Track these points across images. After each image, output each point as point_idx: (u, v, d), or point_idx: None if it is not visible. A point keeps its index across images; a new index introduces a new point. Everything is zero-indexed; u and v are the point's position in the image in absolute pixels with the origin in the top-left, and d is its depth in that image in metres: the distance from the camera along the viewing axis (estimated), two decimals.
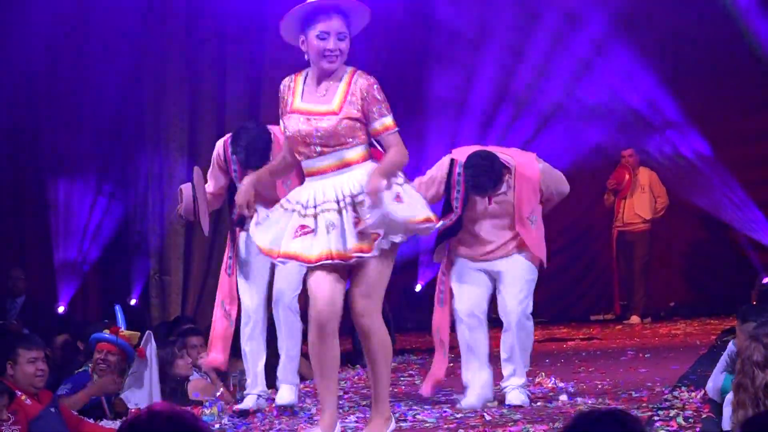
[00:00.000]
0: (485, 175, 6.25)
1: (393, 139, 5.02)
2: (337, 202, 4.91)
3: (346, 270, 4.99)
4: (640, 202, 12.36)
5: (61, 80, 11.76)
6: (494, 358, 6.55)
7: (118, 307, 7.67)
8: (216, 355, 6.67)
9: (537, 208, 6.44)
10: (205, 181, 6.62)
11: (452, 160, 6.44)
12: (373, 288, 4.97)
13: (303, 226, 4.92)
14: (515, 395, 6.35)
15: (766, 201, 12.37)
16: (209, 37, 11.52)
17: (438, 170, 6.45)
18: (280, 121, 5.17)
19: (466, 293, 6.43)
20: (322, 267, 4.93)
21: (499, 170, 6.28)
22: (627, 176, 12.33)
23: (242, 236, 6.56)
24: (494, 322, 6.60)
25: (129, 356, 7.33)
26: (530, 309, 6.43)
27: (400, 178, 4.99)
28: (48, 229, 11.69)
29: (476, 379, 6.41)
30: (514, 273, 6.38)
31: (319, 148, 4.98)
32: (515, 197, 6.35)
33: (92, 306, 11.94)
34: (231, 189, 6.61)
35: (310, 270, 4.99)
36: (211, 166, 6.69)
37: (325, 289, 4.93)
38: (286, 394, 6.57)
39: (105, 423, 6.75)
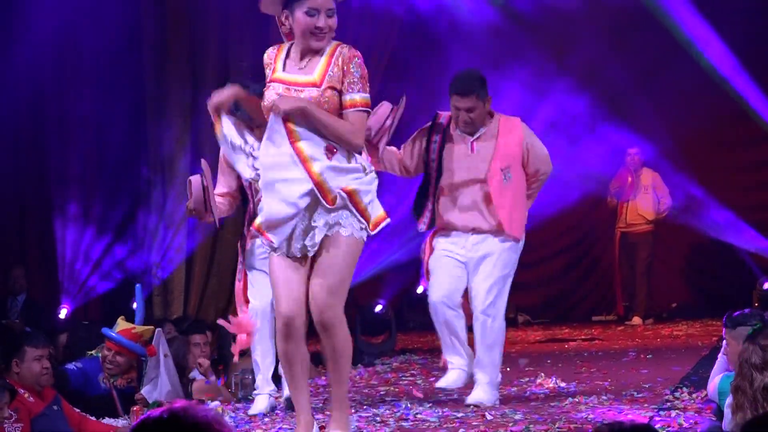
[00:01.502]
0: (467, 76, 6.42)
1: (355, 117, 4.82)
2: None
3: (307, 261, 4.87)
4: (643, 203, 12.37)
5: (66, 82, 11.79)
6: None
7: (138, 288, 7.63)
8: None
9: (516, 166, 6.45)
10: (214, 185, 6.60)
11: (436, 113, 6.57)
12: (339, 283, 4.79)
13: None
14: (475, 394, 6.38)
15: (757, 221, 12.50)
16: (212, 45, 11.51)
17: (424, 125, 6.56)
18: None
19: (440, 282, 6.42)
20: (282, 259, 4.81)
21: (481, 81, 6.42)
22: (629, 179, 12.33)
23: (250, 242, 6.61)
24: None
25: (140, 354, 7.33)
26: (500, 308, 6.40)
27: (369, 176, 4.89)
28: (51, 225, 11.70)
29: (457, 359, 6.43)
30: (487, 269, 6.38)
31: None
32: (495, 144, 6.41)
33: (93, 308, 11.94)
34: (243, 193, 6.64)
35: (272, 263, 4.85)
36: (219, 167, 6.66)
37: (289, 283, 4.79)
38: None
39: (108, 421, 6.78)
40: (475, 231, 6.45)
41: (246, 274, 6.67)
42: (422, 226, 6.53)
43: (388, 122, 5.96)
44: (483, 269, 6.40)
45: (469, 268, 6.43)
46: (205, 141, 10.94)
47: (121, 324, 7.32)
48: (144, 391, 7.01)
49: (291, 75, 4.87)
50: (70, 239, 11.56)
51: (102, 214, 11.64)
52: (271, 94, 4.85)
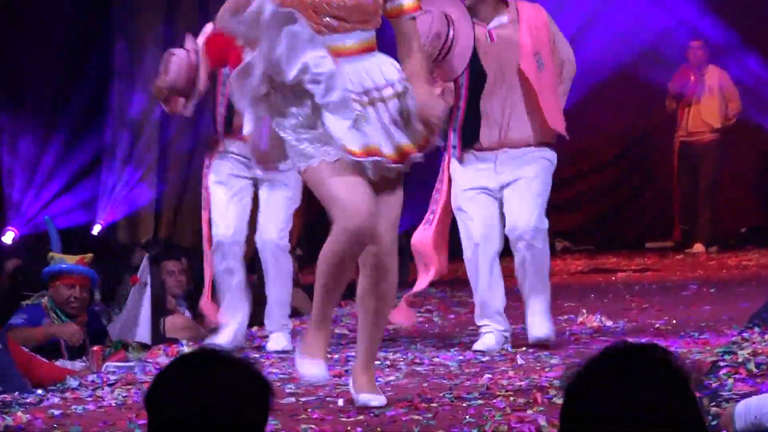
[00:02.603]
0: None
1: (412, 26, 4.98)
2: (366, 93, 4.80)
3: None
4: (708, 108, 12.28)
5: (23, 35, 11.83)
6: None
7: (48, 219, 7.64)
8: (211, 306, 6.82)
9: (546, 53, 6.47)
10: None
11: None
12: (398, 218, 4.97)
13: None
14: (538, 329, 6.46)
15: None
16: None
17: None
18: None
19: (477, 217, 6.49)
20: (350, 170, 4.78)
21: None
22: (692, 78, 12.24)
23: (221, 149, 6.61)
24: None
25: (94, 285, 7.35)
26: (544, 223, 6.48)
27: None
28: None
29: (494, 320, 6.48)
30: (523, 188, 6.44)
31: (336, 23, 4.82)
32: (519, 27, 6.42)
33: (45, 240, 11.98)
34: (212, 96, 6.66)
35: (329, 172, 4.79)
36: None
37: (365, 196, 4.77)
38: (278, 340, 6.70)
39: (63, 363, 6.79)
40: (505, 146, 6.45)
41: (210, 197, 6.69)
42: (454, 151, 6.52)
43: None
44: (520, 191, 6.44)
45: (502, 192, 6.48)
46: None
47: (67, 258, 7.32)
48: (118, 332, 7.06)
49: None
50: (19, 174, 11.62)
51: (59, 156, 11.70)
52: None
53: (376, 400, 4.93)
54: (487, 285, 6.50)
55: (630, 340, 2.38)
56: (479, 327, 6.54)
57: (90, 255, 7.40)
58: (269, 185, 6.67)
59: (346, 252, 4.81)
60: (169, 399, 2.31)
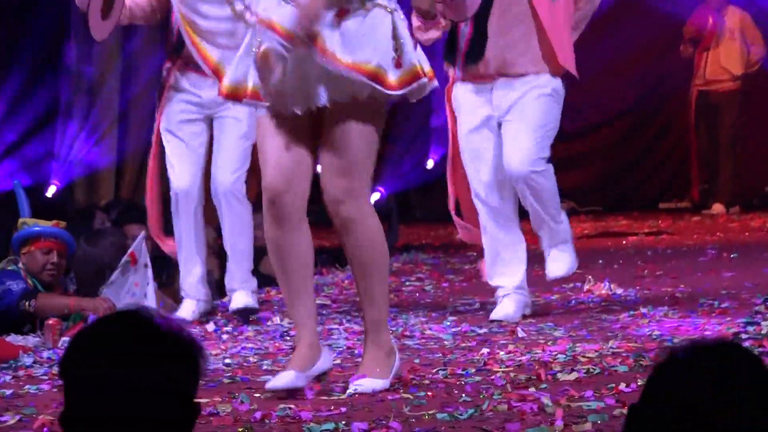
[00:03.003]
0: None
1: None
2: None
3: (312, 135, 4.80)
4: (729, 53, 12.30)
5: None
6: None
7: (17, 184, 7.64)
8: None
9: None
10: None
11: None
12: (356, 163, 4.76)
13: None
14: (549, 266, 6.55)
15: None
16: None
17: None
18: None
19: (479, 164, 6.49)
20: (274, 122, 4.73)
21: None
22: (710, 20, 12.25)
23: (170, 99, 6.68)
24: None
25: (70, 253, 7.36)
26: (540, 163, 6.44)
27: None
28: None
29: (507, 279, 6.47)
30: (521, 121, 6.41)
31: None
32: None
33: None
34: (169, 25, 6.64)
35: (259, 125, 4.81)
36: None
37: (281, 152, 4.74)
38: (240, 298, 6.71)
39: (15, 339, 6.79)
40: (506, 75, 6.45)
41: (158, 146, 6.73)
42: (459, 74, 6.52)
43: None
44: (515, 123, 6.42)
45: (500, 124, 6.48)
46: (141, 65, 10.95)
47: (40, 222, 7.34)
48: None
49: None
50: None
51: (7, 113, 11.69)
52: None
53: (361, 386, 4.78)
54: (493, 236, 6.50)
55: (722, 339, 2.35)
56: (495, 291, 6.54)
57: (64, 222, 7.41)
58: (220, 123, 6.69)
59: (269, 227, 4.77)
60: (85, 361, 2.34)
